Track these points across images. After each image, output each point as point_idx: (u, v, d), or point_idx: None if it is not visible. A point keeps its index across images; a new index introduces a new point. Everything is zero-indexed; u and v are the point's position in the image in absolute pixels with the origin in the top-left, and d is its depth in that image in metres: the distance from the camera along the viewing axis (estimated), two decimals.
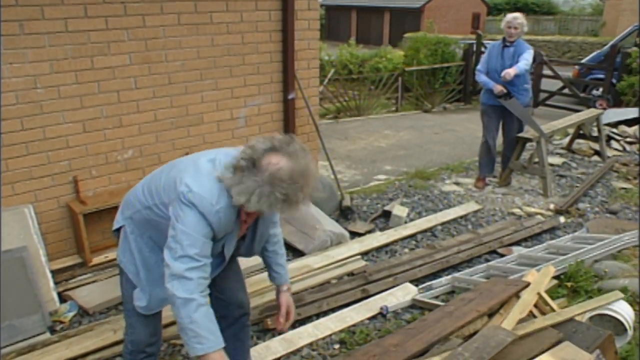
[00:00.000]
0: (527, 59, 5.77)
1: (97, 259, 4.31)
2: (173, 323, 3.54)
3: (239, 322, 2.75)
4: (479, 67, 6.18)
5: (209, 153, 2.25)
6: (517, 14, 6.00)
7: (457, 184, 6.65)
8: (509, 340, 2.52)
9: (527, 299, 3.01)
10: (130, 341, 2.57)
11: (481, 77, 6.07)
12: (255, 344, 3.45)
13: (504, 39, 5.96)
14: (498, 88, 5.84)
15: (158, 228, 2.30)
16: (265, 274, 4.18)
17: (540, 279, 3.25)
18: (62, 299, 3.94)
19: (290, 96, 5.20)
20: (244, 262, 4.18)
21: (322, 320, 3.70)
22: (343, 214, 5.50)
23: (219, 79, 4.78)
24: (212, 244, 2.16)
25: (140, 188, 2.41)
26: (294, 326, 3.62)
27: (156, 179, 2.32)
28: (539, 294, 3.23)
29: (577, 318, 3.14)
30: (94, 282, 4.12)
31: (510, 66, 5.78)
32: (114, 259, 3.71)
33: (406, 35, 19.74)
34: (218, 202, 2.07)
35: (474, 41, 13.42)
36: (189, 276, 2.05)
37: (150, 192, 2.30)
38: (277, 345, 3.40)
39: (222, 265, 2.41)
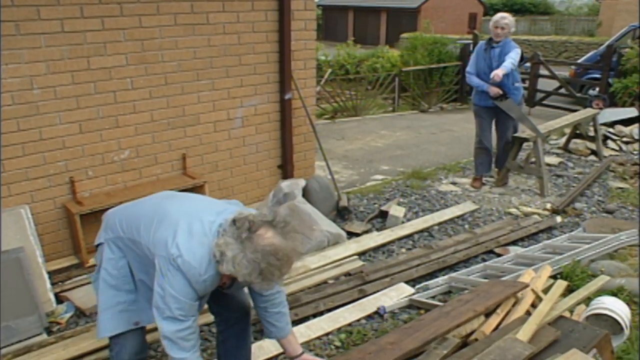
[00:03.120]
0: (513, 57, 5.72)
1: (93, 260, 4.27)
2: None
3: (240, 322, 2.75)
4: (468, 69, 6.15)
5: (205, 211, 2.27)
6: (505, 14, 5.97)
7: (454, 183, 6.65)
8: (526, 353, 2.46)
9: (542, 310, 2.98)
10: (115, 354, 2.54)
11: (473, 80, 6.04)
12: (252, 343, 3.44)
13: (490, 39, 5.94)
14: (494, 90, 5.82)
15: (138, 258, 2.37)
16: None
17: (554, 292, 3.23)
18: (59, 300, 3.93)
19: (287, 96, 5.21)
20: None
21: (315, 320, 3.69)
22: (340, 214, 5.49)
23: (215, 79, 4.78)
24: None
25: (124, 217, 2.44)
26: None
27: (147, 221, 2.31)
28: (537, 295, 3.23)
29: (573, 317, 3.17)
30: (89, 283, 4.11)
31: (498, 67, 5.75)
32: None
33: (403, 35, 19.74)
34: (206, 272, 2.13)
35: (471, 41, 13.42)
36: (179, 336, 2.18)
37: (139, 230, 2.32)
38: (270, 345, 3.38)
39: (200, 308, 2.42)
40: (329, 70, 14.11)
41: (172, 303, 2.14)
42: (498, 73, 5.58)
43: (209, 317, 3.46)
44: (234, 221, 2.10)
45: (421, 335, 2.87)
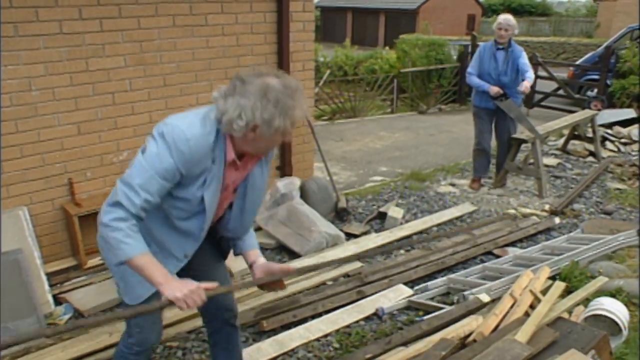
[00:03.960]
0: (529, 64, 5.88)
1: (92, 262, 4.30)
2: (168, 325, 3.55)
3: (229, 324, 2.73)
4: (469, 69, 6.16)
5: None
6: (508, 16, 6.01)
7: (452, 185, 6.65)
8: (525, 355, 2.47)
9: (541, 311, 3.00)
10: (138, 341, 2.45)
11: (474, 80, 6.05)
12: (250, 345, 3.44)
13: (495, 41, 5.97)
14: (494, 89, 5.85)
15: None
16: None
17: (553, 293, 3.25)
18: (57, 301, 3.92)
19: None
20: (238, 264, 4.19)
21: (314, 322, 3.68)
22: (338, 215, 5.49)
23: (214, 80, 4.77)
24: (182, 187, 2.08)
25: None
26: (288, 327, 3.62)
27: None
28: (536, 296, 3.24)
29: (572, 318, 3.17)
30: (89, 284, 4.11)
31: (505, 70, 5.87)
32: None
33: (401, 36, 19.71)
34: (190, 130, 1.97)
35: (469, 42, 13.43)
36: (122, 201, 1.98)
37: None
38: (268, 347, 3.38)
39: (204, 225, 2.22)
40: (327, 72, 14.11)
41: (135, 169, 2.00)
42: (527, 86, 5.69)
43: None
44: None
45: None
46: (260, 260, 2.41)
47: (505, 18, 5.94)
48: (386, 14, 33.84)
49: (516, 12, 33.82)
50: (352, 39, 26.79)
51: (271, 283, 2.35)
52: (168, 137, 1.97)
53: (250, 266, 2.42)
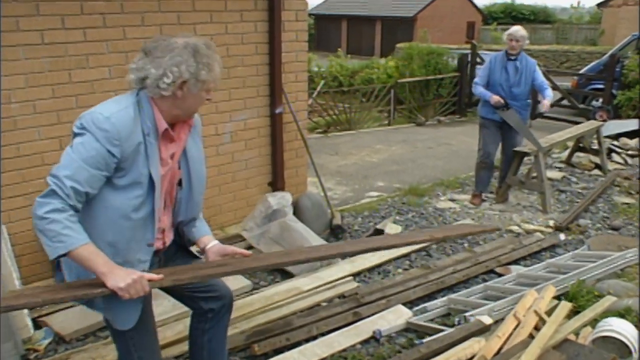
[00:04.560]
0: (545, 80, 6.04)
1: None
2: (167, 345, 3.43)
3: (229, 310, 2.68)
4: (476, 79, 6.20)
5: None
6: (519, 27, 6.10)
7: (452, 200, 6.58)
8: None
9: (546, 333, 2.97)
10: None
11: (478, 89, 6.08)
12: None
13: (506, 52, 5.98)
14: (495, 99, 5.85)
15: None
16: (252, 297, 4.07)
17: (559, 313, 3.22)
18: (37, 325, 3.79)
19: (277, 110, 5.15)
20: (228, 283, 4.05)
21: (308, 345, 3.57)
22: (333, 232, 5.42)
23: None
24: (128, 173, 2.09)
25: None
26: (281, 351, 3.51)
27: None
28: (541, 317, 3.15)
29: (579, 340, 3.16)
30: (70, 307, 3.95)
31: (518, 81, 5.92)
32: None
33: (398, 45, 19.72)
34: (106, 109, 2.04)
35: (469, 51, 13.35)
36: (57, 191, 1.96)
37: None
38: None
39: (158, 203, 2.20)
40: (322, 82, 14.04)
41: (63, 159, 2.01)
42: (547, 104, 5.89)
43: None
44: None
45: (365, 245, 2.93)
46: (213, 243, 2.46)
47: (517, 29, 6.03)
48: (382, 22, 33.82)
49: (517, 19, 33.95)
50: (347, 48, 26.86)
51: None
52: (88, 125, 2.01)
53: (203, 251, 2.47)
